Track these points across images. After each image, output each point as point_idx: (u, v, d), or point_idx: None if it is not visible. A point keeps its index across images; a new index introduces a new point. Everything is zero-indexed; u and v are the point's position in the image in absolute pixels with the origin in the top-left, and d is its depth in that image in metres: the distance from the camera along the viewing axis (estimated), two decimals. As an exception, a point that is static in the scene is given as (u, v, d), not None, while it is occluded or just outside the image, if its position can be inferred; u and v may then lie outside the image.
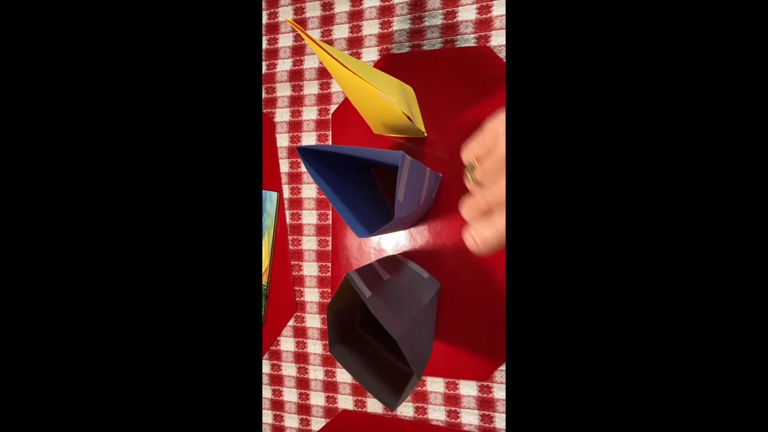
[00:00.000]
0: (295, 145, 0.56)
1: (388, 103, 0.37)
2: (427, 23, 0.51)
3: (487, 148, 0.27)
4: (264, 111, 0.57)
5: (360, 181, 0.46)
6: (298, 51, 0.56)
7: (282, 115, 0.56)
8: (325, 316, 0.56)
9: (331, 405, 0.55)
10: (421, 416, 0.52)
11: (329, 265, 0.55)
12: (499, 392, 0.49)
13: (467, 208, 0.27)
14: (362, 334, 0.43)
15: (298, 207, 0.56)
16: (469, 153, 0.28)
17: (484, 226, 0.25)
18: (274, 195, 0.57)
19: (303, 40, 0.55)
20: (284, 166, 0.57)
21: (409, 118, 0.40)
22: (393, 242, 0.53)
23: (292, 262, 0.57)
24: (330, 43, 0.54)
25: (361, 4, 0.53)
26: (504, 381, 0.49)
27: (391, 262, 0.46)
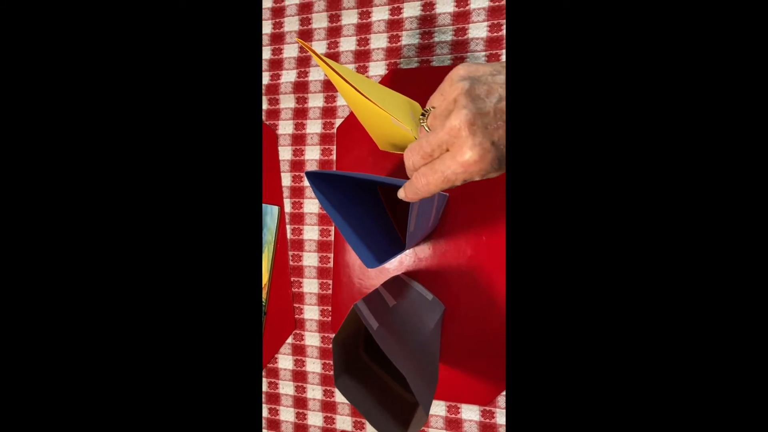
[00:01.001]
0: (298, 159, 0.55)
1: (400, 128, 0.36)
2: (436, 39, 0.50)
3: (441, 92, 0.27)
4: (267, 123, 0.56)
5: (366, 199, 0.45)
6: (303, 62, 0.54)
7: (285, 128, 0.55)
8: (326, 334, 0.54)
9: (329, 426, 0.54)
10: (421, 440, 0.51)
11: (330, 282, 0.54)
12: (502, 418, 0.48)
13: (412, 152, 0.27)
14: (366, 360, 0.42)
15: (299, 222, 0.55)
16: (429, 102, 0.29)
17: (428, 170, 0.26)
18: (275, 209, 0.55)
19: (308, 51, 0.54)
20: (286, 180, 0.55)
21: None
22: (397, 260, 0.51)
23: (292, 279, 0.55)
24: (336, 55, 0.53)
25: (370, 17, 0.52)
26: (507, 406, 0.48)
27: (396, 285, 0.45)
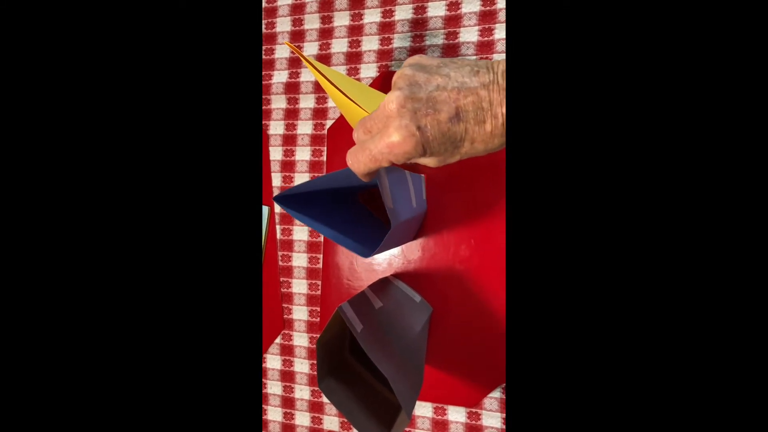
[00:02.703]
0: (288, 159, 0.55)
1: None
2: (428, 42, 0.50)
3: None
4: (257, 122, 0.56)
5: (342, 199, 0.45)
6: (294, 63, 0.54)
7: (276, 128, 0.55)
8: (314, 335, 0.54)
9: (316, 426, 0.54)
10: (407, 441, 0.51)
11: (319, 283, 0.54)
12: (488, 419, 0.48)
13: (358, 128, 0.28)
14: (351, 361, 0.42)
15: (289, 222, 0.55)
16: None
17: (359, 147, 0.27)
18: (265, 209, 0.55)
19: (301, 51, 0.54)
20: (276, 180, 0.55)
21: None
22: (386, 262, 0.52)
23: (281, 279, 0.55)
24: (328, 57, 0.53)
25: (362, 19, 0.52)
26: (493, 408, 0.48)
27: (383, 286, 0.45)
